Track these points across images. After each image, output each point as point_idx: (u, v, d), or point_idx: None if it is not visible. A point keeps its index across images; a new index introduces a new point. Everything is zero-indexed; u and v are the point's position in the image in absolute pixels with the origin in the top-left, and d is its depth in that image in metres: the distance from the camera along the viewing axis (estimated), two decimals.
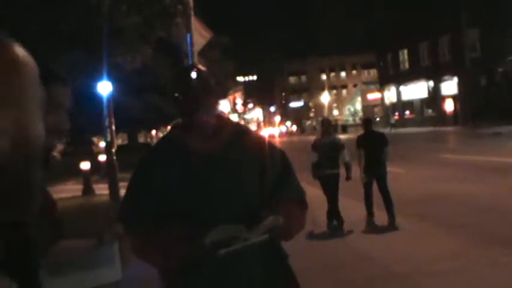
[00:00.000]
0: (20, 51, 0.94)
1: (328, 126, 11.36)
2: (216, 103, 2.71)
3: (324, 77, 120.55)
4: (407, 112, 67.09)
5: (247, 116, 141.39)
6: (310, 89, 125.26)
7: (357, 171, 10.98)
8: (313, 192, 9.74)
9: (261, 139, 2.78)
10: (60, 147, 2.35)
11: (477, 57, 50.28)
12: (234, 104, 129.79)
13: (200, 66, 2.70)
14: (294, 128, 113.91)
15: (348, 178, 10.90)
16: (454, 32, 52.44)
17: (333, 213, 10.88)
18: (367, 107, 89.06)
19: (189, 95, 2.54)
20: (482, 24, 48.48)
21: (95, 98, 16.96)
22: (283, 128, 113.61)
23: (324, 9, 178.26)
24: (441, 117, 56.07)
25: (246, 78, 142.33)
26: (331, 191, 10.85)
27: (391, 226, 10.49)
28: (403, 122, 65.02)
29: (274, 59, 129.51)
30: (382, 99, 75.04)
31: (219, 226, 2.33)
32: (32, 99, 0.90)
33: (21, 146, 0.86)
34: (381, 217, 10.83)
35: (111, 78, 16.84)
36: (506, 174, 15.57)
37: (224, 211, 2.47)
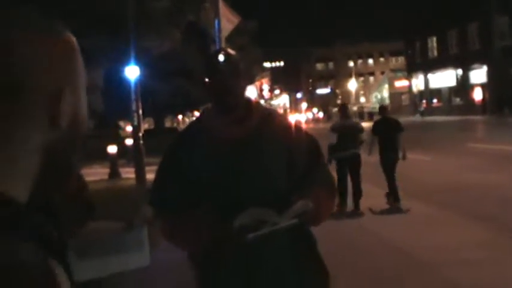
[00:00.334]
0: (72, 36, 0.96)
1: (346, 110, 11.99)
2: (246, 87, 2.70)
3: (351, 63, 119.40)
4: (434, 100, 66.48)
5: (274, 102, 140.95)
6: (337, 76, 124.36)
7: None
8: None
9: (290, 124, 2.76)
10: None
11: (507, 46, 49.57)
12: (261, 90, 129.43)
13: (229, 50, 2.69)
14: (321, 114, 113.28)
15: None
16: (483, 19, 51.76)
17: (357, 192, 11.09)
18: (395, 94, 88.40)
19: (218, 79, 2.53)
20: None
21: (123, 82, 17.06)
22: (310, 115, 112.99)
23: None
24: (469, 106, 55.41)
25: (273, 64, 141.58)
26: (354, 170, 11.11)
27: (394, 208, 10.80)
28: (430, 110, 64.25)
29: (301, 46, 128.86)
30: (410, 86, 74.42)
31: (248, 209, 2.32)
32: (83, 82, 0.92)
33: (72, 128, 0.88)
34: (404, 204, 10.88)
35: (138, 62, 16.92)
36: None
37: (252, 196, 2.45)
